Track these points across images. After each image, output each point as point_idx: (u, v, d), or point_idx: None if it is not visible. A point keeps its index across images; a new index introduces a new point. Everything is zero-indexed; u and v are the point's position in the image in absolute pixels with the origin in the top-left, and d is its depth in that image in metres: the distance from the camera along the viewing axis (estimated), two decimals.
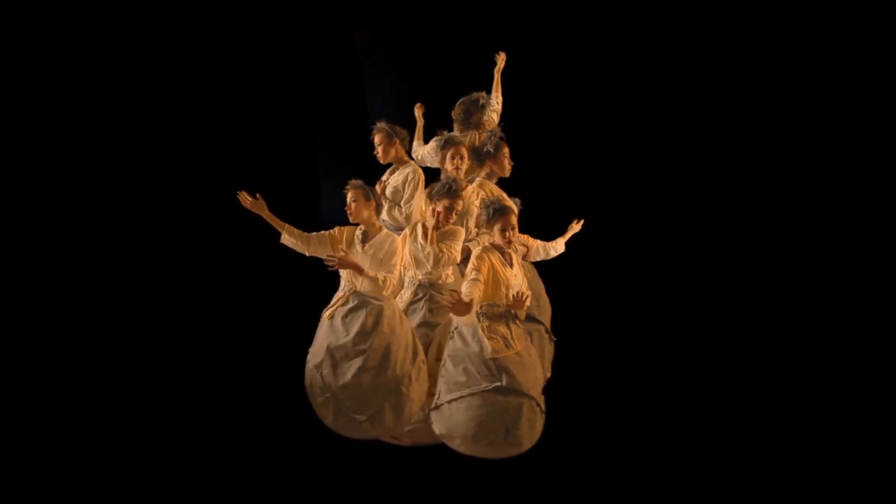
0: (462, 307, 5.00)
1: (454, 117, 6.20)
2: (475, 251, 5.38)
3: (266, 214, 5.37)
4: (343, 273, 5.37)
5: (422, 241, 5.46)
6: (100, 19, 6.93)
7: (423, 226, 5.50)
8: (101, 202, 6.94)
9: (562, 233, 6.06)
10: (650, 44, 7.18)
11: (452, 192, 5.42)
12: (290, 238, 5.42)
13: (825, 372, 6.85)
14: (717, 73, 7.14)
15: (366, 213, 5.41)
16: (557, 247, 6.02)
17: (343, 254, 5.28)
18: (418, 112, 6.43)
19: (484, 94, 6.30)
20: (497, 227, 5.33)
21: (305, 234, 5.44)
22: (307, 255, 5.46)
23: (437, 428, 5.31)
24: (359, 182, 5.46)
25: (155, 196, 7.03)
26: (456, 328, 5.30)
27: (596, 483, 6.63)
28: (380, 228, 5.46)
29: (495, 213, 5.35)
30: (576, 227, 6.04)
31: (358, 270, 5.27)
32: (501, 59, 6.44)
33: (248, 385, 6.86)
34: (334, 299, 5.39)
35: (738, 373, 6.95)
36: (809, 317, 6.94)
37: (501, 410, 5.12)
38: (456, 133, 6.13)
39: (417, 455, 5.59)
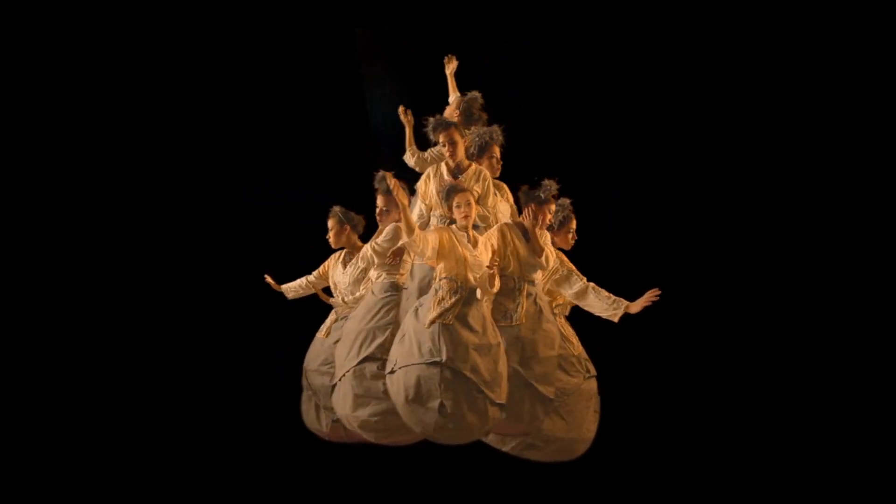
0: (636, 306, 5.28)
1: (457, 115, 6.13)
2: (556, 255, 5.40)
3: (404, 204, 4.95)
4: (458, 272, 5.12)
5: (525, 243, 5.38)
6: (103, 20, 6.94)
7: (521, 226, 5.39)
8: (102, 203, 6.95)
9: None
10: (650, 44, 7.18)
11: (552, 195, 5.35)
12: (414, 239, 4.98)
13: (824, 372, 6.86)
14: (717, 73, 7.14)
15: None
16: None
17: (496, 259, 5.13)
18: (404, 115, 6.16)
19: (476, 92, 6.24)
20: (565, 230, 5.49)
21: (422, 232, 5.06)
22: (422, 259, 5.21)
23: (539, 450, 5.45)
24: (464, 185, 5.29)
25: (155, 197, 7.04)
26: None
27: (596, 483, 6.63)
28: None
29: (570, 216, 5.48)
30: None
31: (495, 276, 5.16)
32: (452, 62, 6.36)
33: (249, 385, 6.86)
34: (450, 303, 5.07)
35: (738, 372, 6.96)
36: (809, 316, 6.94)
37: (595, 395, 5.54)
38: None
39: (417, 455, 5.59)
